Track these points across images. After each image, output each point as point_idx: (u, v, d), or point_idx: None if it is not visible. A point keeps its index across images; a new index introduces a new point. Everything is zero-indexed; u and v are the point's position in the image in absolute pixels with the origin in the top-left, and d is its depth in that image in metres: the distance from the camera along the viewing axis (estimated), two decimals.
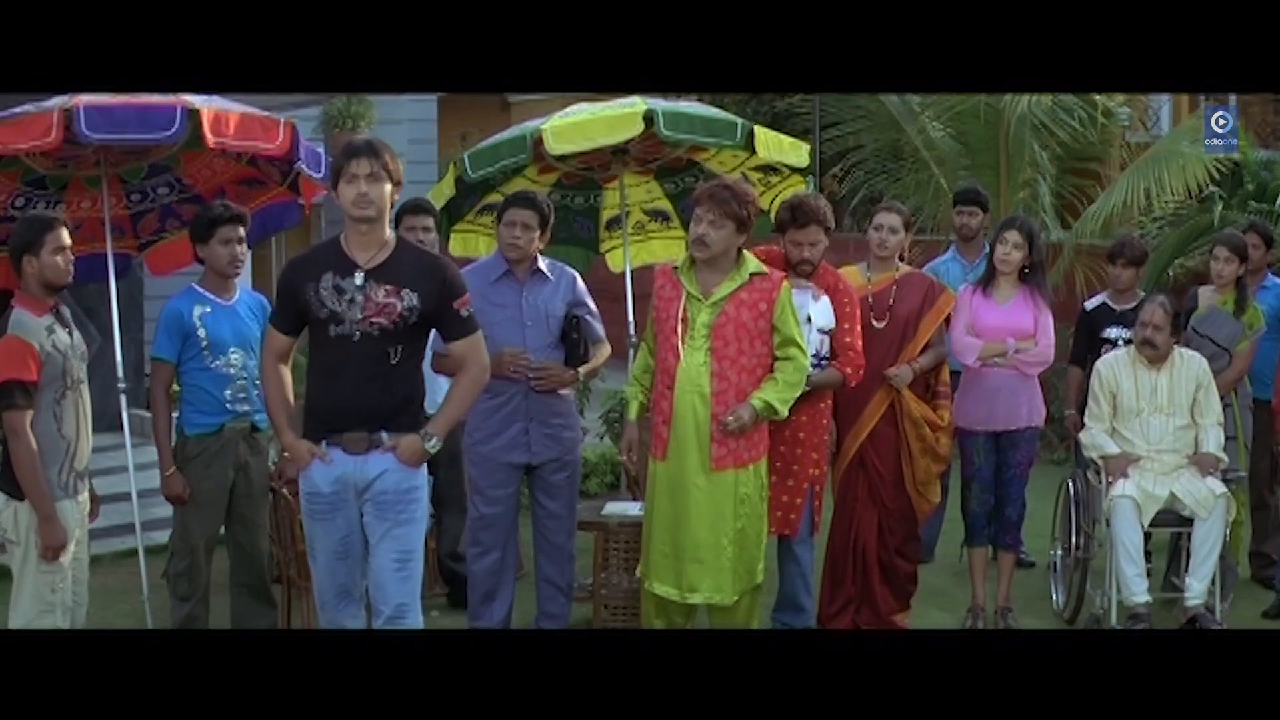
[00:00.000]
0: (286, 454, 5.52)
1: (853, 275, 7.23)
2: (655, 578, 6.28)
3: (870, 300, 7.15)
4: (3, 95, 6.70)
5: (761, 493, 6.37)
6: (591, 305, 6.80)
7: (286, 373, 5.50)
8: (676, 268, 6.31)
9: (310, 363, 5.41)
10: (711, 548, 6.21)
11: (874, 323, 7.11)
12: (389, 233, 5.35)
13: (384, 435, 5.30)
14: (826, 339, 6.74)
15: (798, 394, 6.35)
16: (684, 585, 6.24)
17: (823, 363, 6.73)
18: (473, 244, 8.54)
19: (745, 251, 6.28)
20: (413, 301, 5.27)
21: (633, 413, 6.53)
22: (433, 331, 6.72)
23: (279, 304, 5.45)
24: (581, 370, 6.72)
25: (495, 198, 8.11)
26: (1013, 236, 7.39)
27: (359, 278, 5.24)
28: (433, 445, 5.35)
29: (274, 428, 5.58)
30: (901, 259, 7.39)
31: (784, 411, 6.27)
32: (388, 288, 5.25)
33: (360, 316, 5.24)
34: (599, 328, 6.75)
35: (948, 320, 7.31)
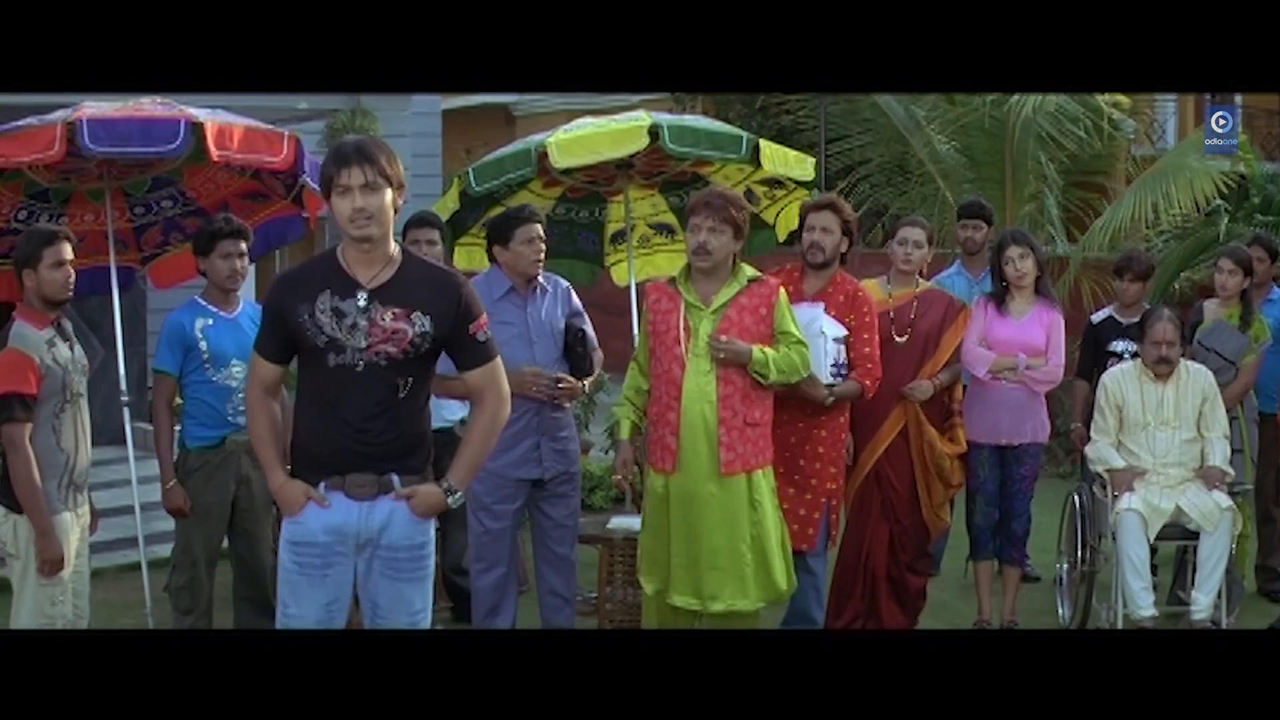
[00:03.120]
0: (275, 498, 4.77)
1: (873, 289, 7.23)
2: (674, 590, 6.24)
3: (891, 315, 7.16)
4: (5, 103, 6.74)
5: (774, 498, 6.34)
6: (585, 315, 6.79)
7: (275, 407, 4.80)
8: (672, 280, 6.32)
9: (301, 395, 4.72)
10: (730, 554, 6.19)
11: (895, 338, 7.12)
12: (393, 246, 4.63)
13: (395, 479, 4.62)
14: (843, 347, 6.73)
15: (792, 377, 6.28)
16: (705, 594, 6.21)
17: (842, 371, 6.72)
18: (478, 258, 8.52)
19: (738, 259, 6.30)
20: (425, 326, 4.56)
21: (625, 431, 6.43)
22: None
23: (266, 328, 4.71)
24: (588, 382, 6.70)
25: (500, 211, 8.10)
26: (1016, 250, 7.42)
27: (362, 299, 4.53)
28: (455, 500, 4.72)
29: (263, 466, 4.81)
30: (921, 274, 7.39)
31: (774, 375, 6.17)
32: (396, 310, 4.54)
33: (365, 344, 4.53)
34: (593, 336, 6.75)
35: None
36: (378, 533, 4.62)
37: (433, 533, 4.79)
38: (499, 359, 4.80)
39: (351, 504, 4.60)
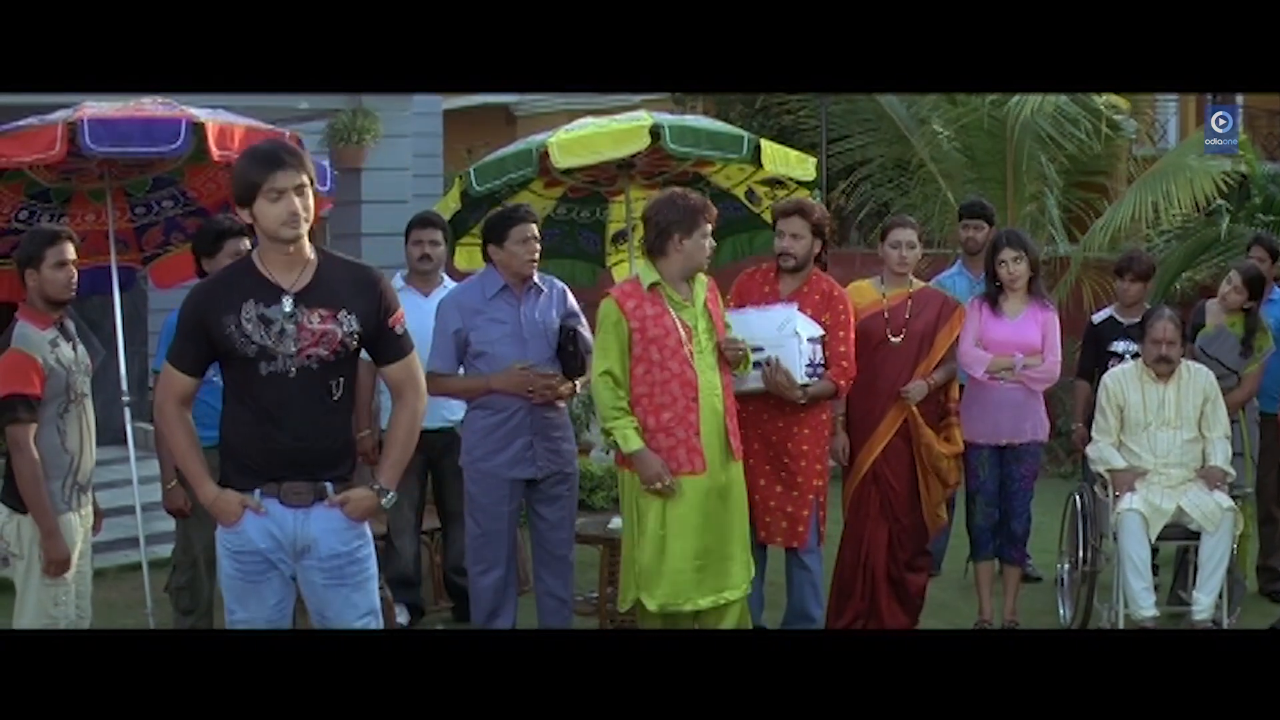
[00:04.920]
0: (209, 510, 4.69)
1: (867, 290, 7.26)
2: (697, 594, 6.21)
3: (886, 315, 7.17)
4: (6, 103, 6.73)
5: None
6: (581, 315, 6.79)
7: (190, 417, 4.69)
8: (652, 285, 6.24)
9: (230, 405, 4.66)
10: (738, 540, 6.31)
11: (890, 338, 7.13)
12: (309, 246, 4.59)
13: (329, 487, 4.62)
14: (818, 347, 6.76)
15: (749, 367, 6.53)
16: (718, 587, 6.25)
17: (819, 370, 6.75)
18: (479, 258, 8.50)
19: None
20: (352, 325, 4.56)
21: (638, 441, 6.18)
22: (429, 351, 6.71)
23: (184, 341, 4.60)
24: (579, 383, 6.70)
25: (495, 211, 8.10)
26: (1010, 253, 7.41)
27: (287, 304, 4.49)
28: (389, 500, 4.73)
29: (190, 479, 4.74)
30: (915, 274, 7.41)
31: (747, 370, 6.50)
32: (322, 312, 4.53)
33: (295, 350, 4.50)
34: (589, 337, 6.73)
35: (959, 336, 7.31)
36: (314, 541, 4.61)
37: (369, 534, 4.77)
38: (415, 352, 4.81)
39: (287, 511, 4.59)
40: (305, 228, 4.50)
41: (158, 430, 6.58)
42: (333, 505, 4.61)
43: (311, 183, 4.54)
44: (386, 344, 4.70)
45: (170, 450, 4.81)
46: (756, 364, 6.57)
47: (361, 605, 4.71)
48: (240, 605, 4.69)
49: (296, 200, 4.45)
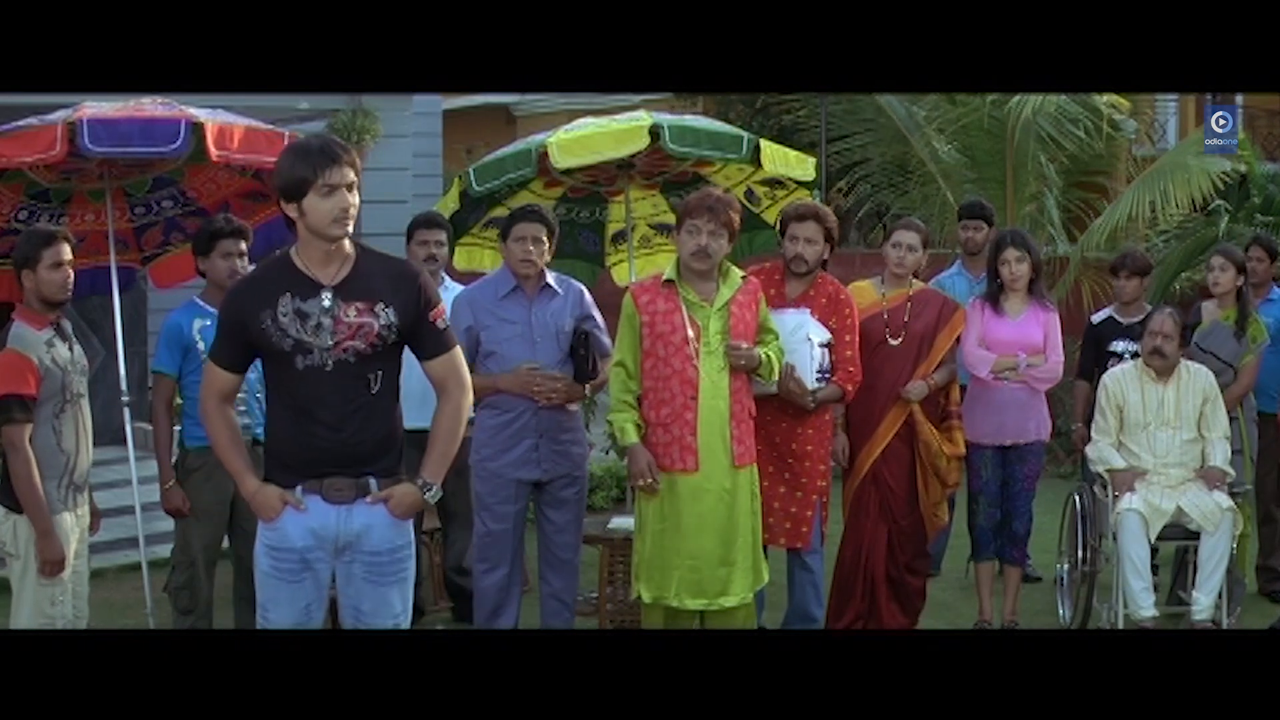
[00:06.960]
0: (250, 504, 4.70)
1: (867, 291, 7.25)
2: (685, 593, 6.22)
3: (885, 316, 7.16)
4: (5, 103, 6.73)
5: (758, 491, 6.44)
6: (599, 318, 6.77)
7: (232, 413, 4.76)
8: (668, 281, 6.27)
9: (271, 401, 4.68)
10: (742, 548, 6.25)
11: (890, 339, 7.12)
12: (347, 241, 4.60)
13: (373, 483, 4.60)
14: (827, 351, 6.76)
15: (777, 375, 6.44)
16: (713, 591, 6.22)
17: (826, 376, 6.74)
18: (478, 258, 8.53)
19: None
20: (389, 318, 4.54)
21: (634, 436, 6.26)
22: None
23: (223, 338, 4.65)
24: (589, 386, 6.68)
25: (501, 212, 8.09)
26: (1013, 253, 7.42)
27: (326, 298, 4.50)
28: (432, 495, 4.70)
29: (232, 474, 4.75)
30: (916, 275, 7.40)
31: (772, 377, 6.39)
32: (359, 305, 4.52)
33: (332, 343, 4.49)
34: (606, 341, 6.72)
35: (959, 338, 7.30)
36: (357, 537, 4.60)
37: (412, 534, 4.76)
38: (458, 347, 4.79)
39: (329, 507, 4.57)
40: (351, 225, 4.51)
41: (155, 431, 6.63)
42: (376, 502, 4.60)
43: (359, 180, 4.54)
44: (428, 338, 4.67)
45: (212, 447, 4.80)
46: None
47: (396, 605, 4.71)
48: (273, 605, 4.67)
49: (349, 196, 4.47)
